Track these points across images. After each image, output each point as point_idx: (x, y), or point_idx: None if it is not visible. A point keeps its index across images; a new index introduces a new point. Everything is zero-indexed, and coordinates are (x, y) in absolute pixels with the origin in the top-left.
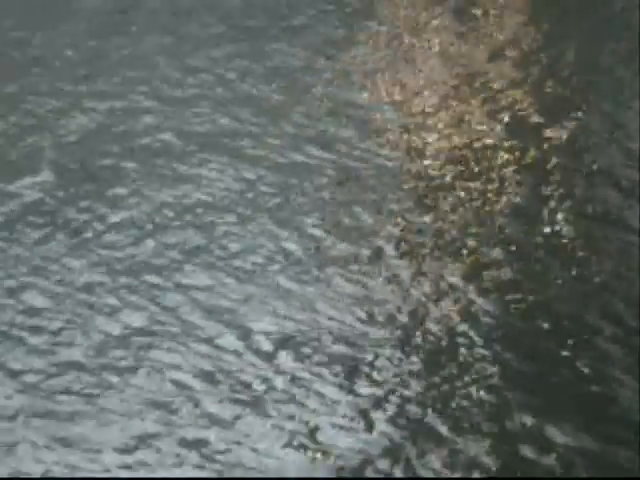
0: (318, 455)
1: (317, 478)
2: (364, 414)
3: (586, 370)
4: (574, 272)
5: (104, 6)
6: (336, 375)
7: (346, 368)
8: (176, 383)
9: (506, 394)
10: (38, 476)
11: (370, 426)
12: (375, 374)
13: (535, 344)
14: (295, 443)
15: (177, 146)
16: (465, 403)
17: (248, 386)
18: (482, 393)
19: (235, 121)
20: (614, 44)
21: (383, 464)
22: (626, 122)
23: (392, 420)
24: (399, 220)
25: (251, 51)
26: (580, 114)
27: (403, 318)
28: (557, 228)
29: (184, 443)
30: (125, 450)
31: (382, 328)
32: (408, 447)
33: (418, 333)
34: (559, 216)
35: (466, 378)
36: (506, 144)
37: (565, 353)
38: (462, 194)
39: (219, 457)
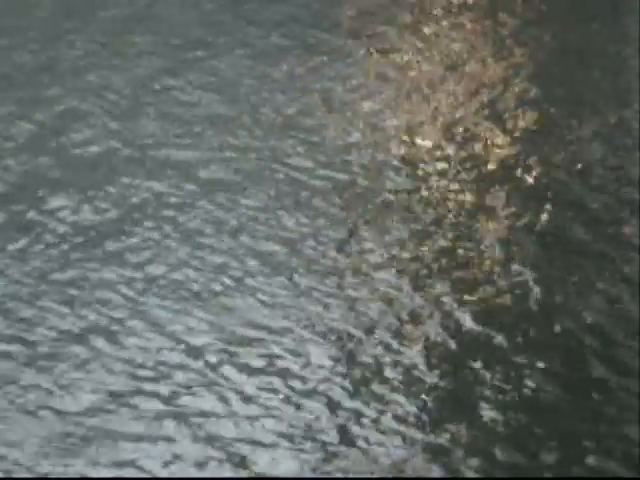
0: (264, 473)
1: (315, 479)
2: (312, 431)
3: (536, 385)
4: (532, 288)
5: (57, 14)
6: (289, 391)
7: (297, 385)
8: (114, 394)
9: (457, 410)
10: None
11: (322, 444)
12: (327, 391)
13: (489, 358)
14: (238, 460)
15: (125, 156)
16: (414, 418)
17: (195, 401)
18: (432, 407)
19: (184, 133)
20: (574, 56)
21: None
22: (583, 138)
23: (341, 436)
24: (355, 235)
25: (203, 63)
26: (536, 128)
27: (356, 333)
28: (513, 243)
29: (120, 458)
30: (63, 447)
31: (334, 344)
32: (356, 462)
33: (370, 349)
34: (515, 234)
35: (413, 390)
36: (460, 159)
37: (516, 369)
38: (419, 208)
39: (159, 473)
